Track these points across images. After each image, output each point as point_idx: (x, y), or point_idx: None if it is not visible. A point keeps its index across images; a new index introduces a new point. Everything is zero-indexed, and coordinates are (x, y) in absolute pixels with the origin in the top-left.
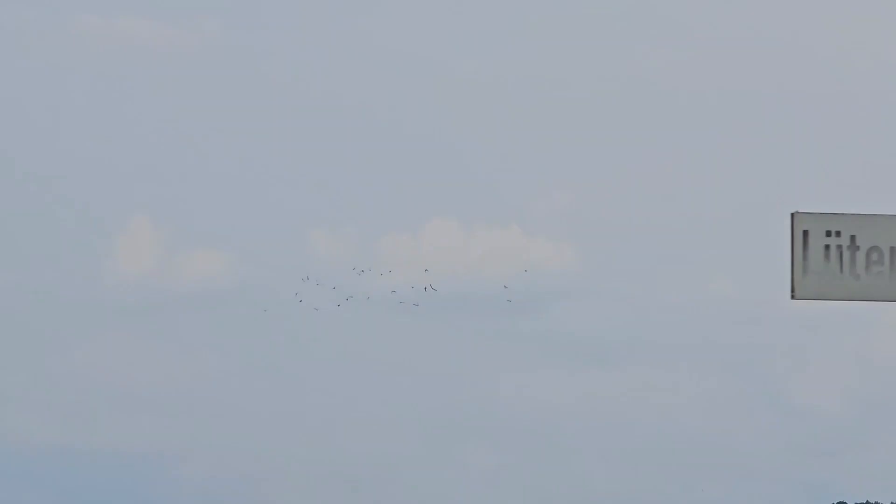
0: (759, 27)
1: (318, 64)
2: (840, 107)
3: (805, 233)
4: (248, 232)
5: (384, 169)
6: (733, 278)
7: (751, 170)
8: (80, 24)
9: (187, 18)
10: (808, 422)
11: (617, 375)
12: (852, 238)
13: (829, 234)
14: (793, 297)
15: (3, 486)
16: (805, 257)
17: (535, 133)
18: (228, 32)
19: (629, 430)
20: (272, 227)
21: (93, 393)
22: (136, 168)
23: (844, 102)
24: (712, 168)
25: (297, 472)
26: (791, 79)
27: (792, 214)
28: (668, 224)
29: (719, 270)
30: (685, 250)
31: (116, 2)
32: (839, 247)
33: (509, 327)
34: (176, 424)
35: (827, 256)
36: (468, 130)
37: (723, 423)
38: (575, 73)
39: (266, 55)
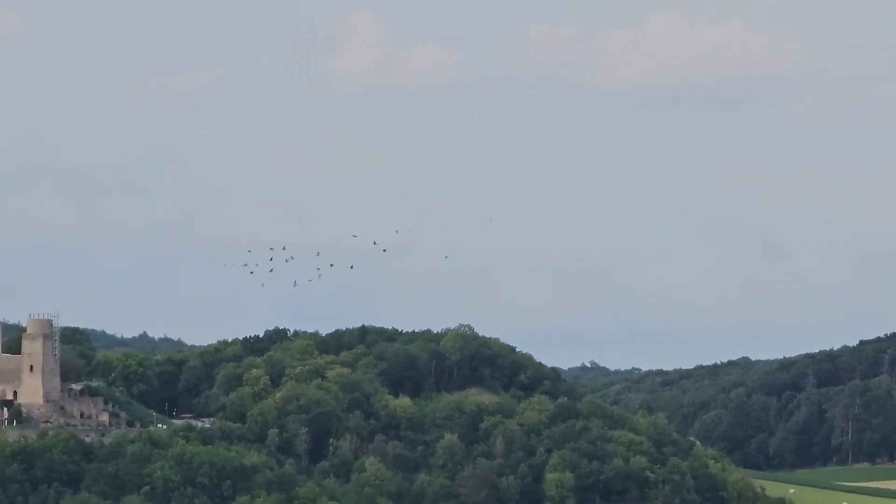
0: None
1: None
2: None
3: None
4: (469, 27)
5: None
6: None
7: None
8: None
9: None
10: None
11: (838, 166)
12: None
13: None
14: None
15: (233, 277)
16: None
17: None
18: None
19: (846, 223)
20: (492, 23)
21: (313, 187)
22: None
23: None
24: None
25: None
26: None
27: None
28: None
29: None
30: None
31: None
32: None
33: (732, 120)
34: (396, 215)
35: None
36: None
37: None
38: None
39: None
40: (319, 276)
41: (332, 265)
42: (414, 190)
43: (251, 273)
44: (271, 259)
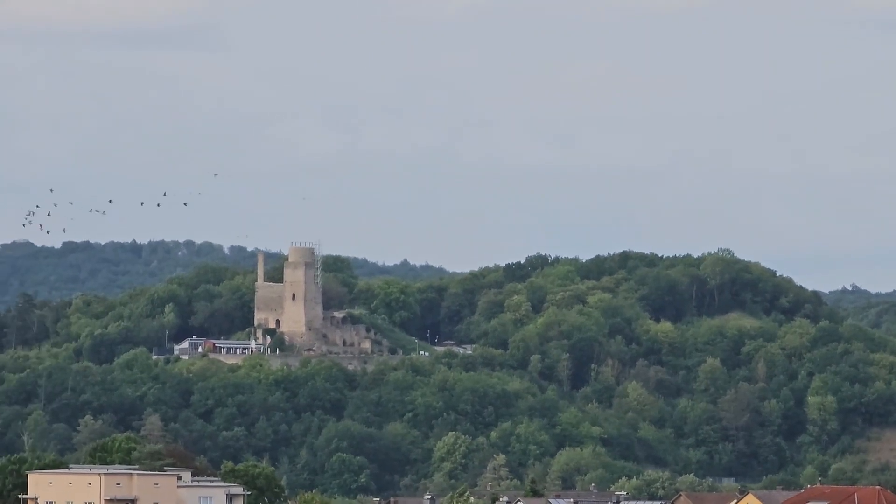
0: None
1: None
2: None
3: None
4: None
5: None
6: None
7: None
8: None
9: None
10: None
11: None
12: None
13: None
14: None
15: (494, 204)
16: None
17: None
18: None
19: None
20: None
21: (577, 114)
22: None
23: None
24: None
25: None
26: None
27: None
28: None
29: None
30: None
31: None
32: None
33: None
34: (657, 142)
35: None
36: None
37: None
38: None
39: None
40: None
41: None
42: (675, 117)
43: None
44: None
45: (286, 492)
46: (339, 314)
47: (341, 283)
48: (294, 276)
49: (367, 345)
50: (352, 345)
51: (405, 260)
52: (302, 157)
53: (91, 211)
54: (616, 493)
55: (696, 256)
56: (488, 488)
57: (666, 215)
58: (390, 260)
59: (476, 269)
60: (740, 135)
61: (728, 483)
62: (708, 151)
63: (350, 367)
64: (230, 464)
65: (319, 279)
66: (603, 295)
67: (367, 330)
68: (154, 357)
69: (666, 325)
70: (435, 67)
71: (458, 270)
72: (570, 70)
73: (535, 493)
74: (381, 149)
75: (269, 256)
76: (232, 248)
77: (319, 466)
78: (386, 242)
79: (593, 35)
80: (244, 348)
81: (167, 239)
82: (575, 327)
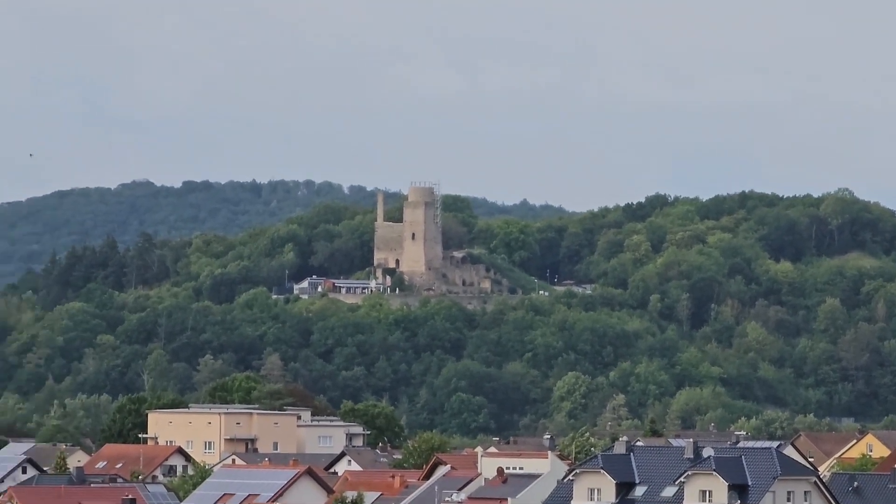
0: None
1: None
2: None
3: None
4: None
5: None
6: None
7: None
8: None
9: None
10: None
11: None
12: None
13: None
14: None
15: (613, 143)
16: None
17: None
18: None
19: None
20: None
21: (697, 50)
22: None
23: None
24: None
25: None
26: None
27: None
28: None
29: None
30: None
31: None
32: None
33: None
34: (774, 79)
35: None
36: None
37: None
38: None
39: None
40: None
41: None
42: (796, 53)
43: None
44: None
45: (405, 431)
46: (458, 254)
47: (461, 223)
48: (414, 216)
49: (486, 284)
50: (471, 284)
51: (524, 199)
52: (422, 96)
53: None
54: (735, 432)
55: (815, 196)
56: (608, 428)
57: (786, 154)
58: (510, 199)
59: (595, 209)
60: (863, 72)
61: (847, 423)
62: (829, 89)
63: (469, 307)
64: (350, 403)
65: (439, 219)
66: (723, 235)
67: (487, 269)
68: (274, 296)
69: (786, 265)
70: (555, 5)
71: (578, 210)
72: (690, 6)
73: (655, 433)
74: (500, 87)
75: (388, 196)
76: (351, 188)
77: (439, 406)
78: (505, 182)
79: None
80: (364, 288)
81: (287, 178)
82: (694, 267)
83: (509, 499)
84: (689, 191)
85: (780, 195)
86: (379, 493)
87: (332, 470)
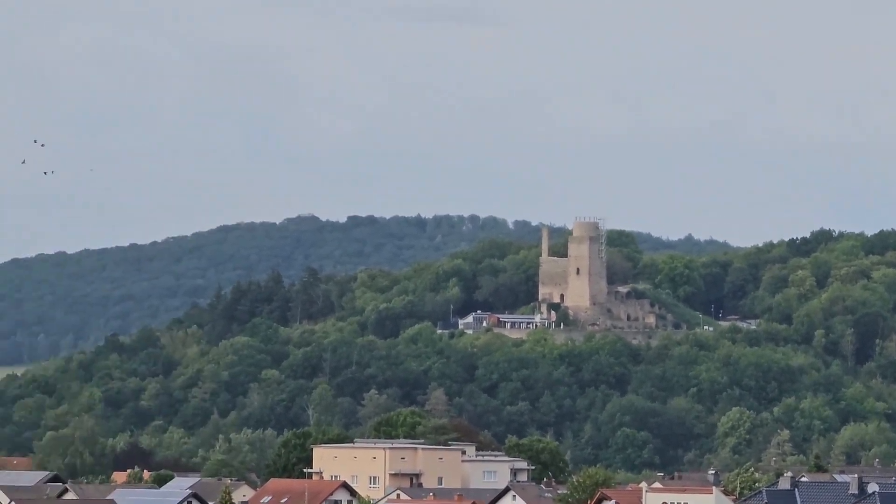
0: None
1: None
2: None
3: None
4: None
5: None
6: None
7: None
8: None
9: None
10: None
11: None
12: None
13: None
14: None
15: (778, 179)
16: None
17: None
18: None
19: None
20: None
21: (862, 86)
22: None
23: None
24: None
25: None
26: None
27: None
28: None
29: None
30: None
31: None
32: None
33: None
34: None
35: None
36: None
37: None
38: None
39: None
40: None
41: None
42: None
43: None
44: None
45: (570, 466)
46: (623, 289)
47: (625, 258)
48: (578, 251)
49: (650, 319)
50: (636, 319)
51: (689, 234)
52: (588, 131)
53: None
54: None
55: None
56: (772, 463)
57: None
58: (674, 234)
59: (760, 244)
60: None
61: None
62: None
63: (634, 342)
64: (514, 438)
65: (604, 254)
66: (888, 270)
67: (651, 304)
68: (438, 331)
69: None
70: (720, 41)
71: (743, 245)
72: (856, 43)
73: (820, 469)
74: (665, 124)
75: (553, 231)
76: (516, 223)
77: (603, 441)
78: (670, 217)
79: (882, 3)
80: (528, 323)
81: (451, 213)
82: (859, 302)
83: None
84: (854, 226)
85: None
86: None
87: None
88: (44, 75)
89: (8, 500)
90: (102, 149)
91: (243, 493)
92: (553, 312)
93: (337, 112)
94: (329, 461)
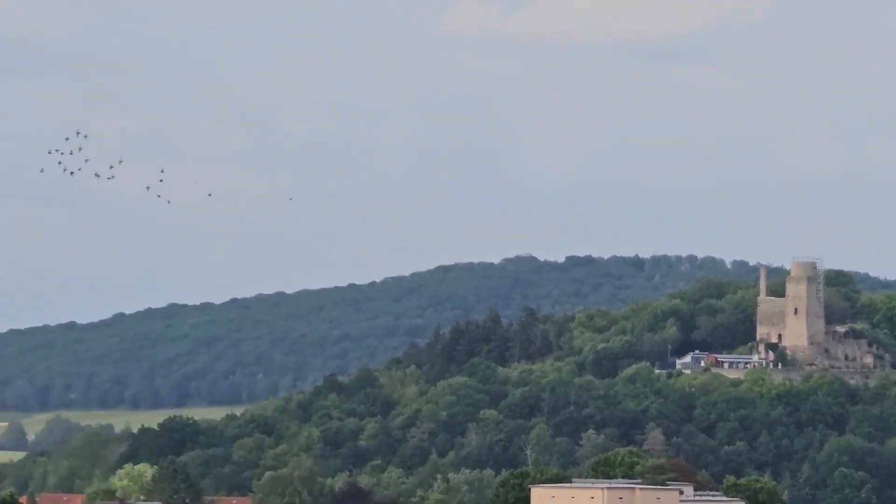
0: None
1: None
2: None
3: None
4: None
5: None
6: None
7: None
8: None
9: None
10: None
11: None
12: None
13: None
14: None
15: None
16: None
17: None
18: None
19: None
20: None
21: None
22: None
23: None
24: None
25: None
26: None
27: None
28: None
29: None
30: None
31: None
32: None
33: None
34: None
35: None
36: None
37: None
38: None
39: None
40: None
41: None
42: None
43: None
44: None
45: None
46: (841, 328)
47: (843, 298)
48: (796, 291)
49: (869, 359)
50: (854, 359)
51: None
52: (804, 171)
53: None
54: None
55: None
56: None
57: None
58: (893, 274)
59: None
60: None
61: None
62: None
63: (852, 382)
64: (732, 478)
65: (822, 293)
66: None
67: (869, 344)
68: (656, 371)
69: None
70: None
71: None
72: None
73: None
74: (884, 161)
75: (771, 271)
76: (734, 263)
77: (821, 481)
78: (889, 256)
79: None
80: (746, 363)
81: (669, 253)
82: None
83: None
84: None
85: None
86: None
87: None
88: (270, 119)
89: None
90: (325, 187)
91: None
92: (771, 352)
93: (555, 152)
94: (547, 501)
